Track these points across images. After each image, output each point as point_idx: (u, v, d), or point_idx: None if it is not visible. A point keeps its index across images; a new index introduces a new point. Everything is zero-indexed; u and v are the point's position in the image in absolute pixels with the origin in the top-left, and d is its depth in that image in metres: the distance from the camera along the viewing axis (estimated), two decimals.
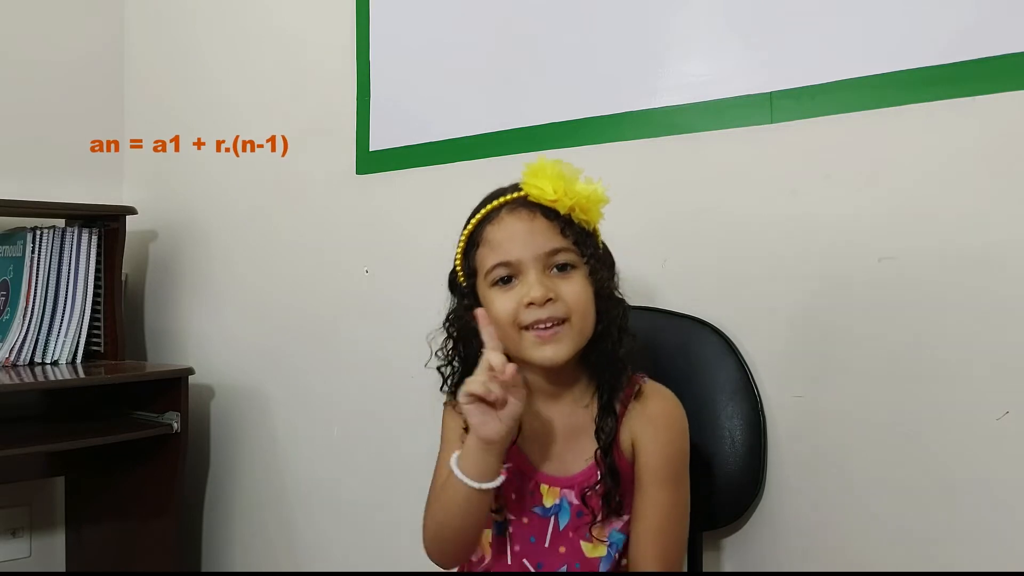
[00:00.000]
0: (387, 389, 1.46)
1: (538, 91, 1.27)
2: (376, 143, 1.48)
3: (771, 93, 1.04)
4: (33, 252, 1.68)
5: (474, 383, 0.85)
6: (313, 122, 1.59)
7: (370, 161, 1.49)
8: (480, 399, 0.85)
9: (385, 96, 1.47)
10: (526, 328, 0.88)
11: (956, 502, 0.92)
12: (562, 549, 0.93)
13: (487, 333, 0.87)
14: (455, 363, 0.97)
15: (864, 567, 0.98)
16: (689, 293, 1.11)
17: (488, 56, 1.33)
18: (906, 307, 0.95)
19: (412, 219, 1.44)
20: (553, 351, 0.88)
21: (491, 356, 0.85)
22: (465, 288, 0.95)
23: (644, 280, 1.13)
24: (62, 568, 1.87)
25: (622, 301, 0.93)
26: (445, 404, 1.01)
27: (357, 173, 1.51)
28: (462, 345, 0.96)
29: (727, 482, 1.03)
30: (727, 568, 1.09)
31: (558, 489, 0.93)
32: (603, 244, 0.94)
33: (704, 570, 1.06)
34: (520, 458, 0.95)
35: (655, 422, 0.92)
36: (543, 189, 0.88)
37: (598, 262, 0.91)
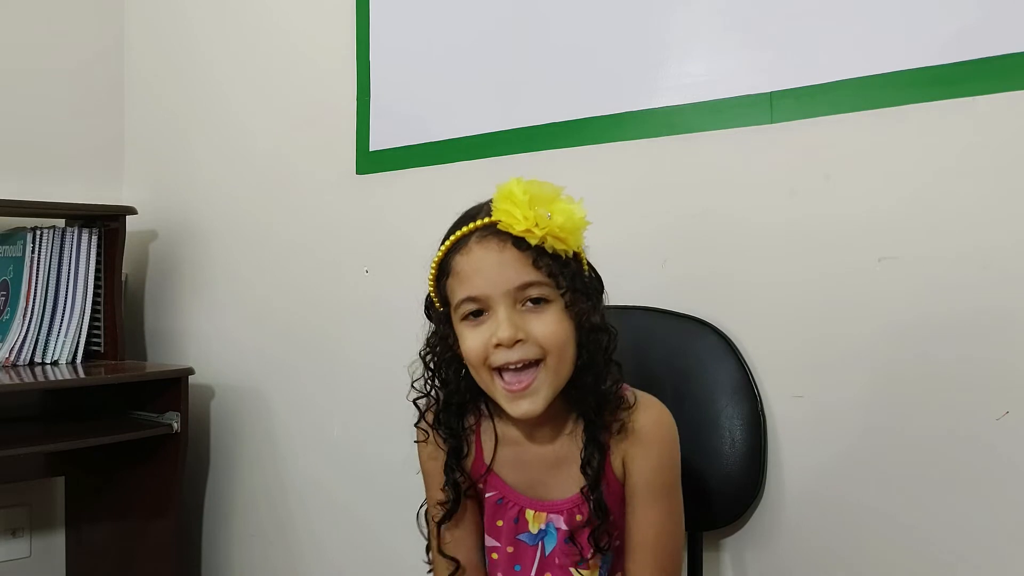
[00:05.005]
0: (387, 389, 1.46)
1: (538, 91, 1.27)
2: (376, 143, 1.48)
3: (771, 93, 1.04)
4: (33, 252, 1.68)
5: None
6: (313, 122, 1.59)
7: (370, 161, 1.49)
8: None
9: (385, 96, 1.47)
10: (498, 371, 0.83)
11: (956, 502, 0.92)
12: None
13: None
14: (433, 394, 0.92)
15: (864, 567, 0.98)
16: (689, 293, 1.11)
17: (488, 56, 1.33)
18: (906, 307, 0.95)
19: (412, 219, 1.43)
20: (529, 405, 0.83)
21: None
22: (442, 315, 0.89)
23: (644, 280, 1.13)
24: (62, 568, 1.87)
25: (608, 329, 0.86)
26: (417, 443, 0.94)
27: (357, 173, 1.51)
28: (442, 373, 0.90)
29: (727, 482, 1.03)
30: (727, 568, 1.08)
31: (544, 514, 0.90)
32: (588, 266, 0.87)
33: (704, 570, 1.05)
34: (502, 485, 0.92)
35: (645, 439, 0.87)
36: (513, 217, 0.80)
37: (577, 293, 0.83)
